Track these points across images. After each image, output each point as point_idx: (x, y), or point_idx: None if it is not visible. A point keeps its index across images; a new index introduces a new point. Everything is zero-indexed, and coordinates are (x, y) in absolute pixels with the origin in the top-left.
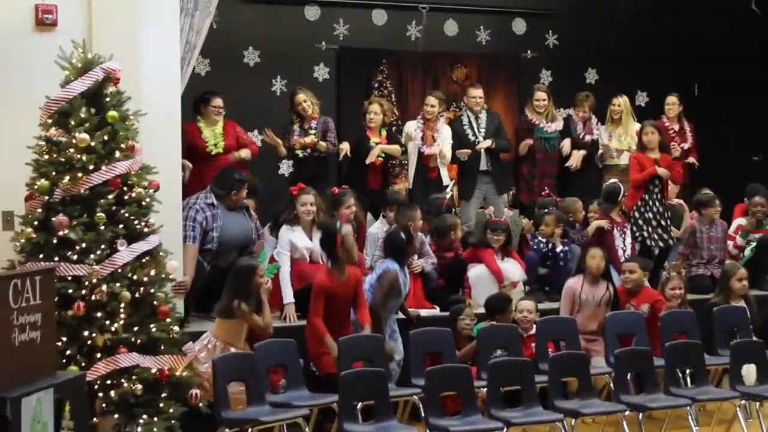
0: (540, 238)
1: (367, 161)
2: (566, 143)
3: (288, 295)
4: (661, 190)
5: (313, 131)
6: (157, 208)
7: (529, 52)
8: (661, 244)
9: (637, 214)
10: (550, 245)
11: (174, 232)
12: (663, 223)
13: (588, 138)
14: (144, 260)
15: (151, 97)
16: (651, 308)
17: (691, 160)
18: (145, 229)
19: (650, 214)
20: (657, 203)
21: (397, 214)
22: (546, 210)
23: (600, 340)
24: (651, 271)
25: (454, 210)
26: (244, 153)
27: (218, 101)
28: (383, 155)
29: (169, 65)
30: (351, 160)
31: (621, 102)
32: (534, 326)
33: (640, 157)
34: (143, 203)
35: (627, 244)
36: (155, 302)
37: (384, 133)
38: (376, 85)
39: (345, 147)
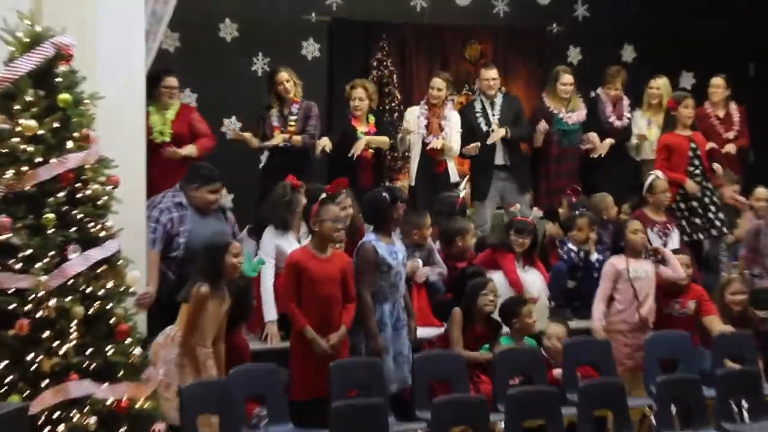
0: (571, 245)
1: (350, 154)
2: (593, 138)
3: (270, 312)
4: (702, 171)
5: (294, 117)
6: (116, 208)
7: (554, 25)
8: (713, 232)
9: (682, 206)
10: (582, 254)
11: (137, 236)
12: (712, 209)
13: (618, 124)
14: (100, 270)
15: (110, 77)
16: (698, 305)
17: (729, 148)
18: (102, 233)
19: (695, 202)
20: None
21: (404, 220)
22: (578, 212)
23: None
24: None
25: (466, 212)
26: (188, 150)
27: (171, 80)
28: (372, 147)
29: (132, 40)
30: (337, 155)
31: (660, 84)
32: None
33: (671, 140)
34: (100, 202)
35: (671, 247)
36: (113, 320)
37: (372, 119)
38: (374, 64)
39: (324, 142)
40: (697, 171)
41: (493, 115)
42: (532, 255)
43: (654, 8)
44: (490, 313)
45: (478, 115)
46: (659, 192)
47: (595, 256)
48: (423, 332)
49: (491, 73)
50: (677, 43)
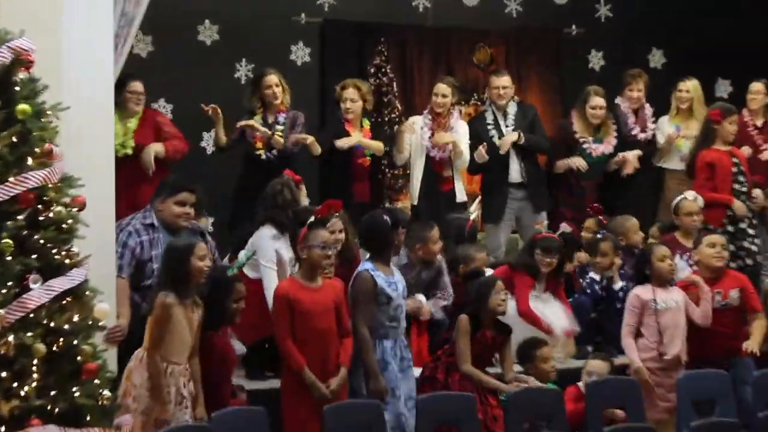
0: (593, 274)
1: (338, 144)
2: (629, 158)
3: None
4: (746, 190)
5: (280, 126)
6: (83, 232)
7: (573, 27)
8: (750, 261)
9: (730, 229)
10: (604, 281)
11: (106, 263)
12: (751, 232)
13: (642, 136)
14: (64, 302)
15: (75, 86)
16: (741, 292)
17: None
18: (67, 261)
19: (743, 223)
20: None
21: (407, 235)
22: (600, 235)
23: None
24: None
25: (477, 236)
26: (156, 147)
27: (136, 85)
28: (370, 154)
29: (100, 44)
30: (327, 165)
31: (690, 87)
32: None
33: (712, 157)
34: (64, 226)
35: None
36: (79, 358)
37: (367, 124)
38: (372, 70)
39: (310, 139)
40: (743, 189)
41: (506, 127)
42: (558, 280)
43: (686, 8)
44: (502, 314)
45: (489, 127)
46: (683, 214)
47: (618, 285)
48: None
49: (503, 81)
50: (712, 46)
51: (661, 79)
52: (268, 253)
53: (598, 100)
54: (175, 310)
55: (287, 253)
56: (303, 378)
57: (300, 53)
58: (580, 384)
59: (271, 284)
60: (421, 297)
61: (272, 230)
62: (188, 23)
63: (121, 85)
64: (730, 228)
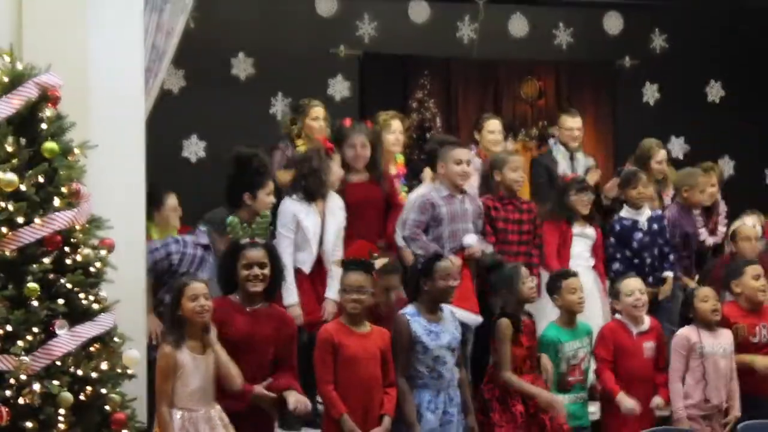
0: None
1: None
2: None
3: (290, 294)
4: None
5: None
6: (111, 276)
7: (627, 59)
8: None
9: None
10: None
11: (135, 308)
12: None
13: (711, 241)
14: (92, 349)
15: (103, 122)
16: None
17: None
18: (94, 306)
19: None
20: None
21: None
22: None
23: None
24: None
25: None
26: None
27: (173, 200)
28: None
29: (130, 79)
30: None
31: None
32: (647, 318)
33: None
34: (92, 269)
35: None
36: (107, 407)
37: (400, 159)
38: (414, 105)
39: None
40: None
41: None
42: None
43: (746, 37)
44: (533, 301)
45: (560, 164)
46: (741, 239)
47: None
48: (461, 315)
49: (577, 122)
50: None
51: (719, 112)
52: (284, 219)
53: (663, 153)
54: (179, 358)
55: (308, 221)
56: (342, 425)
57: (339, 87)
58: (618, 316)
59: (284, 247)
60: (472, 237)
61: (295, 198)
62: (222, 56)
63: (156, 202)
64: None
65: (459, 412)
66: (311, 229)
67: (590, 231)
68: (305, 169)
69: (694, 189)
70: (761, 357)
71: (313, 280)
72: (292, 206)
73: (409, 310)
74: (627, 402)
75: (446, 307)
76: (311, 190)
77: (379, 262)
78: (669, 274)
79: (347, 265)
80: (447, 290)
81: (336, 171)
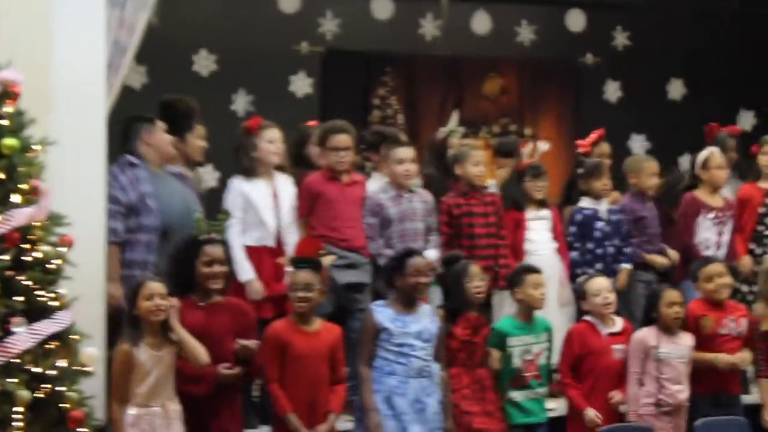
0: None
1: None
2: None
3: (244, 272)
4: None
5: None
6: (70, 273)
7: (589, 56)
8: None
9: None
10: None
11: (93, 305)
12: None
13: None
14: (50, 346)
15: (64, 118)
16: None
17: None
18: (53, 303)
19: None
20: None
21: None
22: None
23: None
24: None
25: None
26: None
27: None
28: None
29: (91, 75)
30: None
31: None
32: (618, 320)
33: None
34: (50, 266)
35: (724, 240)
36: (65, 405)
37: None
38: (376, 102)
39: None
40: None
41: None
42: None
43: (708, 35)
44: (480, 302)
45: None
46: (714, 167)
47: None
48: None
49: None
50: (735, 76)
51: (681, 112)
52: (230, 197)
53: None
54: (136, 355)
55: (258, 195)
56: (288, 425)
57: (300, 84)
58: (587, 317)
59: (233, 228)
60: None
61: (238, 177)
62: (184, 53)
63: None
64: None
65: (438, 405)
66: (262, 201)
67: (545, 212)
68: (237, 149)
69: (640, 174)
70: (723, 355)
71: (278, 255)
72: (238, 185)
73: (380, 302)
74: (590, 413)
75: (427, 306)
76: (244, 166)
77: (327, 260)
78: (626, 266)
79: (295, 263)
80: (418, 287)
81: (264, 147)
